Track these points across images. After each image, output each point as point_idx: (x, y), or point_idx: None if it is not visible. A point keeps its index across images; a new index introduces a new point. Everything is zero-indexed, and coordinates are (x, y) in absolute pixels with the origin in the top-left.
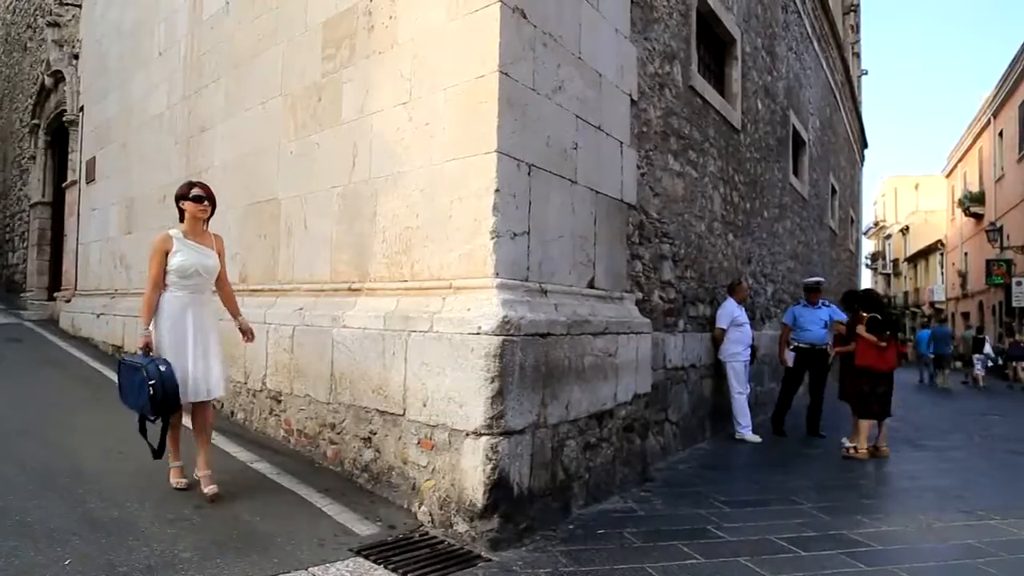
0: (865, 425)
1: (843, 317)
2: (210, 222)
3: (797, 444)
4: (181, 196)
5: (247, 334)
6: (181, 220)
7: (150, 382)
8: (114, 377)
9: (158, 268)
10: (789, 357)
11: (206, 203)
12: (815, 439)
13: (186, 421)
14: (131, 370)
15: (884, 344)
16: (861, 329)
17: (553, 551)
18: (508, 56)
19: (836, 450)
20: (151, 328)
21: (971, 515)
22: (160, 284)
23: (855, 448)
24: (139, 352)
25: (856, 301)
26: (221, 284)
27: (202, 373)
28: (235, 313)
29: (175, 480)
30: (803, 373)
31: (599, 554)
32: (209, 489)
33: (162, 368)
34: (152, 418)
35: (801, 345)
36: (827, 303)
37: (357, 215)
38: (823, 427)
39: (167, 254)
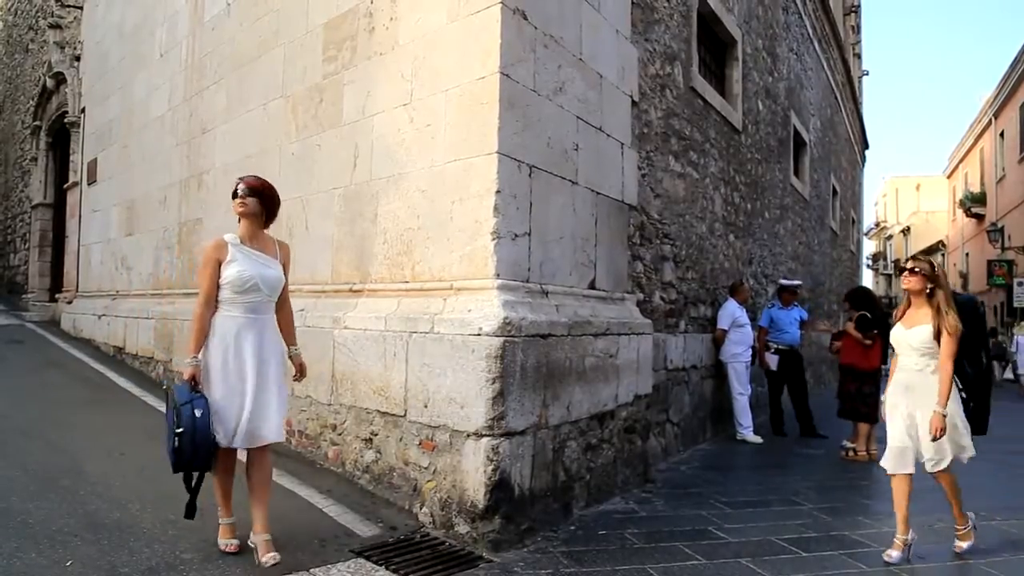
0: (864, 427)
1: (805, 315)
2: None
3: (798, 445)
4: (232, 197)
5: (299, 371)
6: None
7: (177, 431)
8: (115, 378)
9: (210, 282)
10: (772, 360)
11: (240, 196)
12: (816, 440)
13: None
14: (170, 408)
15: (869, 342)
16: (849, 326)
17: (554, 552)
18: (509, 57)
19: (837, 451)
20: (201, 356)
21: (973, 516)
22: (212, 302)
23: (853, 450)
24: (184, 384)
25: (851, 299)
26: (281, 302)
27: (261, 414)
28: (290, 341)
29: (225, 541)
30: (786, 375)
31: (600, 555)
32: (269, 557)
33: (197, 413)
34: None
35: (781, 347)
36: (795, 303)
37: (358, 216)
38: (822, 427)
39: (220, 264)
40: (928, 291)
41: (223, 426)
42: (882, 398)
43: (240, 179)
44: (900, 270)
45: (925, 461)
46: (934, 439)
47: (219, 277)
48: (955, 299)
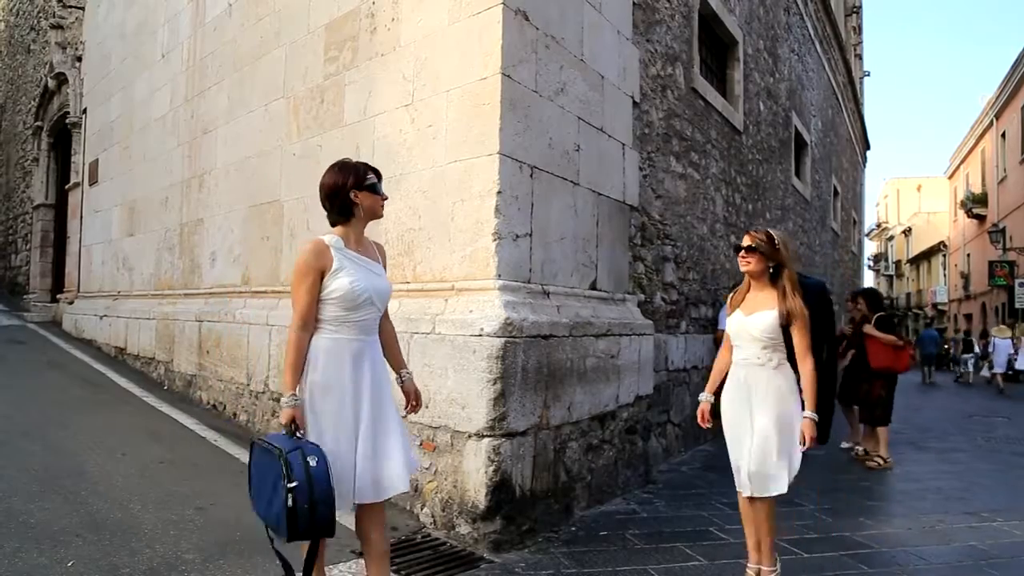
0: (883, 432)
1: None
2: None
3: None
4: (354, 184)
5: (412, 398)
6: (334, 224)
7: (290, 485)
8: (117, 378)
9: (310, 297)
10: None
11: (380, 189)
12: None
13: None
14: (264, 455)
15: (902, 343)
16: (871, 329)
17: (555, 552)
18: (510, 58)
19: (838, 452)
20: (301, 391)
21: (974, 517)
22: (311, 323)
23: (883, 459)
24: (282, 430)
25: (861, 298)
26: (383, 318)
27: (384, 457)
28: (398, 364)
29: None
30: None
31: (601, 555)
32: None
33: (312, 462)
34: (285, 540)
35: None
36: None
37: None
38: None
39: (323, 275)
40: (770, 270)
41: (341, 484)
42: (701, 396)
43: (371, 168)
44: (735, 248)
45: (750, 480)
46: (804, 447)
47: (320, 291)
48: (802, 282)
